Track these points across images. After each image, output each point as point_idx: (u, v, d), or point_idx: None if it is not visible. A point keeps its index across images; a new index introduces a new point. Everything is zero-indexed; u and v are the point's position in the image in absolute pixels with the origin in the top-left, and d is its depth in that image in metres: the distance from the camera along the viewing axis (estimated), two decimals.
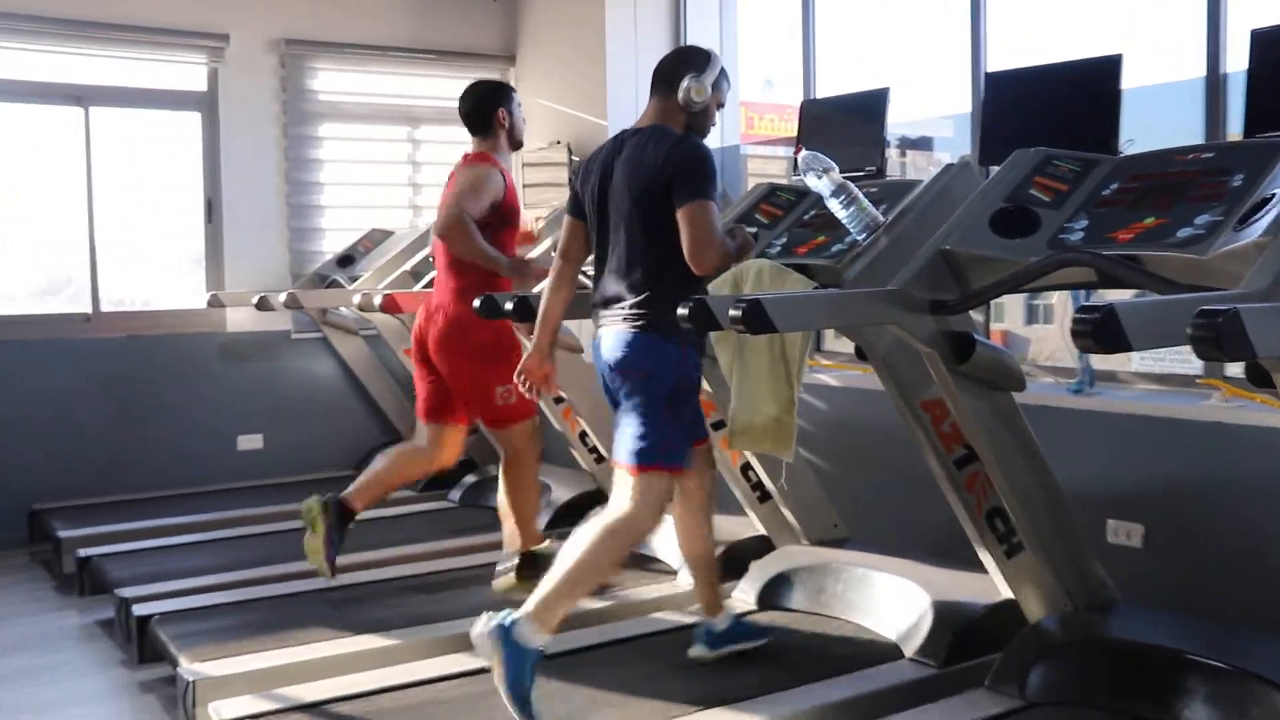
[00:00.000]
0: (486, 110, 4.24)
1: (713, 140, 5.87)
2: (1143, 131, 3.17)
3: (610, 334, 3.25)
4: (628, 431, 3.22)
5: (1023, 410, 3.13)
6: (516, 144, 4.34)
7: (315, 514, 4.10)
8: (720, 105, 3.38)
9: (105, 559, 4.80)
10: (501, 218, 4.15)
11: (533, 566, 4.02)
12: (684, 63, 3.30)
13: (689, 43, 3.34)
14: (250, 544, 5.04)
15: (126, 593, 4.22)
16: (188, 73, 6.25)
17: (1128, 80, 3.14)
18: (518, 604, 3.08)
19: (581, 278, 3.72)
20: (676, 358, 3.18)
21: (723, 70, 3.35)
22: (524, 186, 6.30)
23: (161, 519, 5.39)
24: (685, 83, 3.26)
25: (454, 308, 4.13)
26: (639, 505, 3.17)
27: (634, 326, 3.19)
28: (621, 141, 3.32)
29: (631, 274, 3.22)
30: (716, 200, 3.15)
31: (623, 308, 3.22)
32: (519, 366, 3.49)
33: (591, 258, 3.41)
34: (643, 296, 3.19)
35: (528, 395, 3.51)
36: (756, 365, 3.54)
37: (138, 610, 4.01)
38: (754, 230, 3.62)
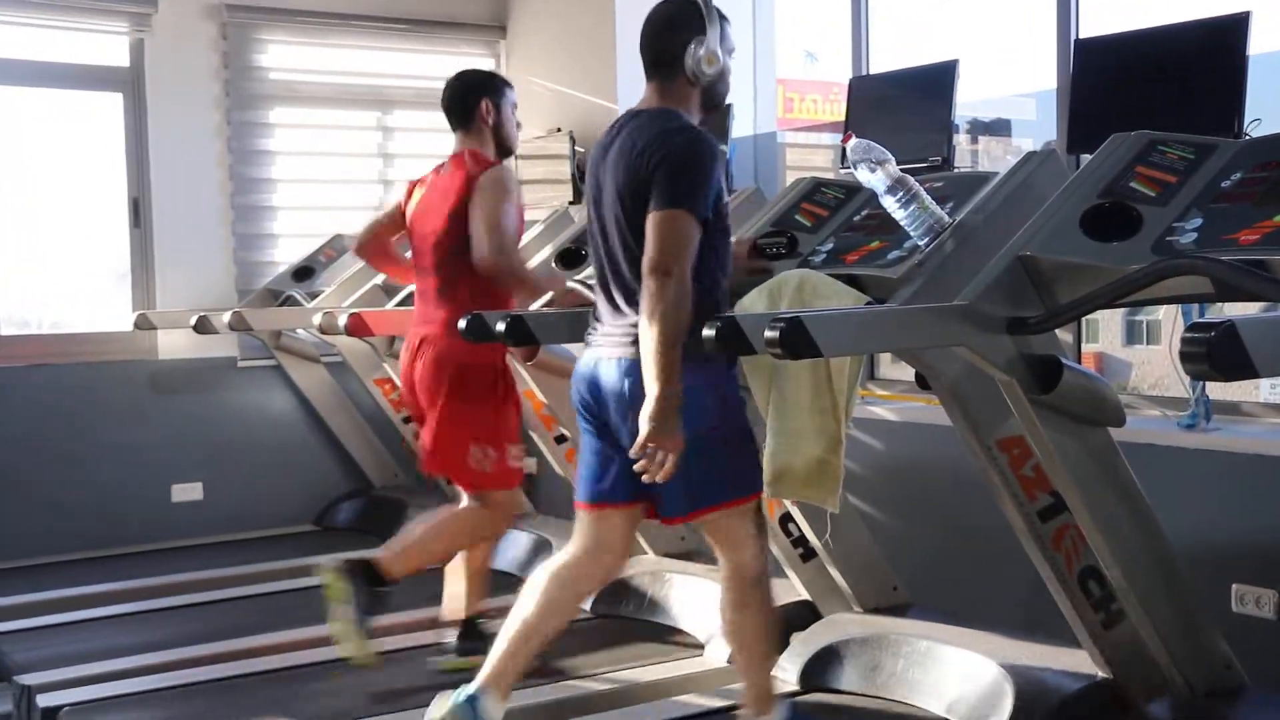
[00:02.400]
0: (466, 99, 4.26)
1: (744, 126, 5.95)
2: (1273, 109, 3.15)
3: (610, 362, 3.28)
4: (689, 474, 3.18)
5: (1123, 450, 3.11)
6: (504, 148, 4.35)
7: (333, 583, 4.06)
8: (731, 52, 3.37)
9: (3, 638, 4.77)
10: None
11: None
12: (675, 29, 3.28)
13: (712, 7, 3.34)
14: (186, 617, 5.03)
15: (29, 679, 4.18)
16: (106, 44, 6.28)
17: (1255, 45, 3.11)
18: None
19: (584, 290, 3.74)
20: (702, 380, 3.18)
21: (720, 12, 3.33)
22: (518, 183, 6.31)
23: (75, 588, 5.36)
24: (691, 51, 3.25)
25: (441, 341, 4.16)
26: (745, 548, 3.35)
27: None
28: (619, 127, 3.34)
29: (630, 286, 3.24)
30: (703, 214, 3.13)
31: (620, 326, 3.26)
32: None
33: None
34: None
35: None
36: (797, 396, 3.53)
37: (43, 701, 3.99)
38: (780, 240, 3.65)
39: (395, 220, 4.44)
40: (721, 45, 3.30)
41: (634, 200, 3.19)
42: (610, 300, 3.32)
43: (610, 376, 3.27)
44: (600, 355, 3.32)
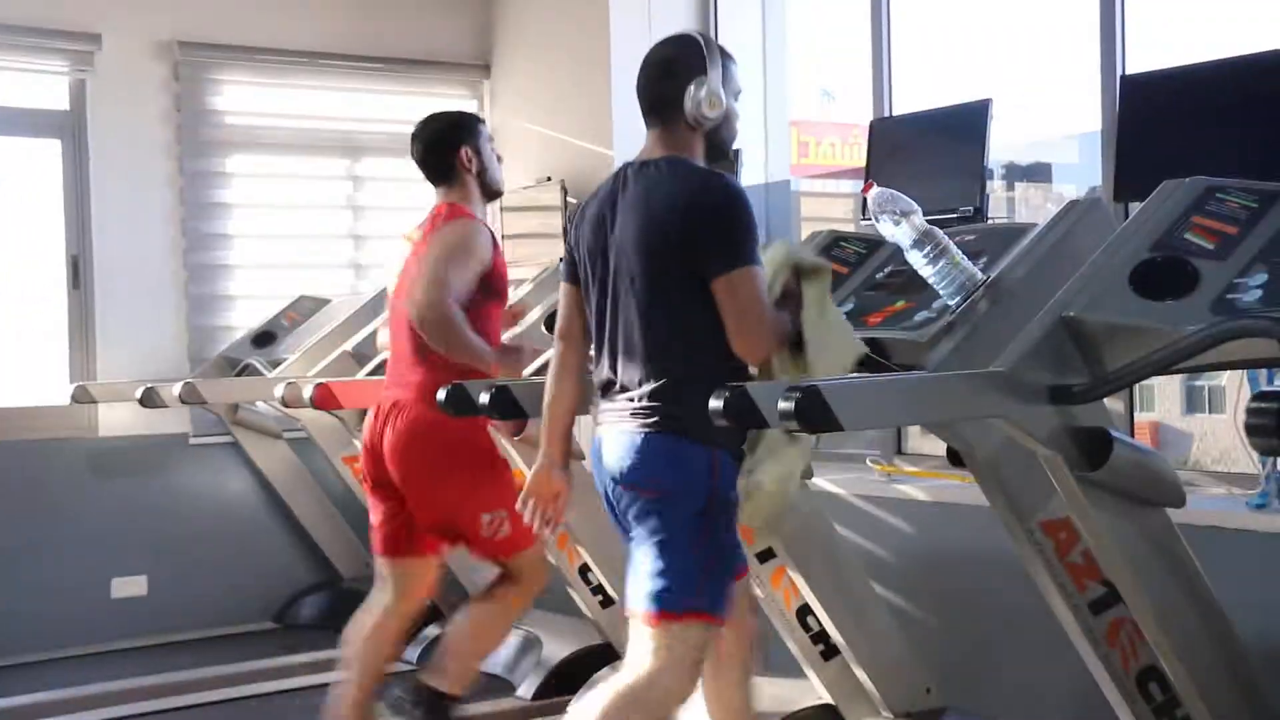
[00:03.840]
0: (443, 151, 4.29)
1: (755, 173, 5.97)
2: None
3: (614, 435, 3.26)
4: (644, 568, 3.21)
5: (1184, 533, 3.09)
6: (492, 192, 4.39)
7: None
8: (737, 95, 3.39)
9: None
10: (487, 289, 4.20)
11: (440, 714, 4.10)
12: (673, 71, 3.30)
13: (715, 39, 3.37)
14: None
15: None
16: (43, 85, 6.32)
17: None
18: None
19: None
20: (705, 466, 3.18)
21: (723, 51, 3.35)
22: (504, 239, 6.33)
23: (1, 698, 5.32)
24: (691, 93, 3.26)
25: (416, 407, 4.14)
26: (663, 666, 3.15)
27: (646, 425, 3.19)
28: (625, 179, 3.34)
29: (643, 355, 3.23)
30: (761, 263, 3.19)
31: (630, 399, 3.23)
32: (524, 491, 3.50)
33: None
34: (659, 385, 3.20)
35: (537, 527, 3.50)
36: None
37: None
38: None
39: None
40: (725, 86, 3.31)
41: (659, 259, 3.20)
42: (614, 370, 3.30)
43: (613, 450, 3.24)
44: (605, 434, 3.30)
